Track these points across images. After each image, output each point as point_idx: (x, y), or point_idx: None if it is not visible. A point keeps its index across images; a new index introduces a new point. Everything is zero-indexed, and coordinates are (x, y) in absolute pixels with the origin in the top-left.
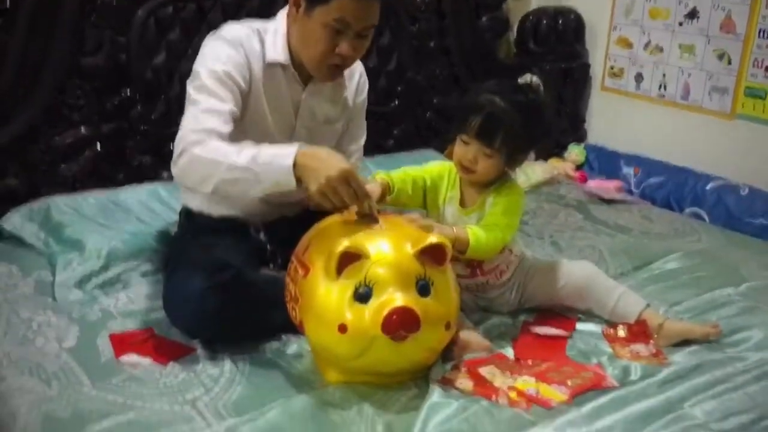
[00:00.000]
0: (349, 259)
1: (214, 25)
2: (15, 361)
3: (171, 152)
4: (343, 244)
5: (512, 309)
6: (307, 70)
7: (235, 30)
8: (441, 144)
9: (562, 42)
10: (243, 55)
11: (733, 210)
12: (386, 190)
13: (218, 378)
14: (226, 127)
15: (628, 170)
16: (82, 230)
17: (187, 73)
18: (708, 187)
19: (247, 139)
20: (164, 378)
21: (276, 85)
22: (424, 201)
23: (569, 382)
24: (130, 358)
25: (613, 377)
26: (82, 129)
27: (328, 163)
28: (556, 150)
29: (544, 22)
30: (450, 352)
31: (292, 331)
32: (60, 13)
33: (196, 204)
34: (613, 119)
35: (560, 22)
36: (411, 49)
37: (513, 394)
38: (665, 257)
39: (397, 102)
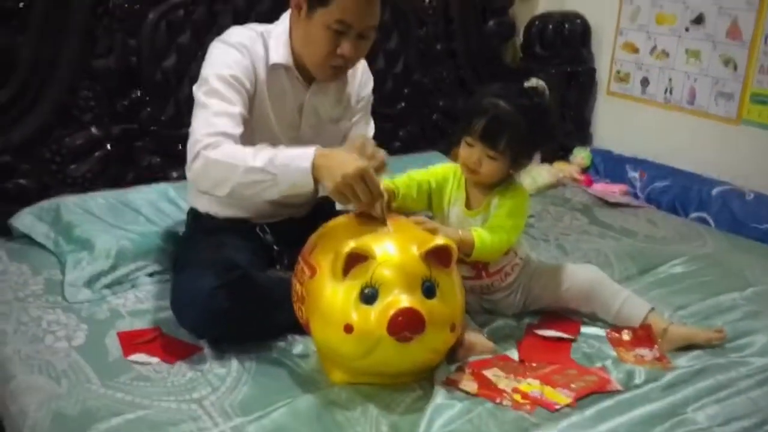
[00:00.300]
0: (356, 260)
1: (224, 28)
2: (25, 359)
3: (180, 153)
4: (350, 245)
5: (517, 311)
6: (310, 71)
7: (240, 34)
8: (447, 146)
9: (568, 46)
10: (248, 59)
11: (739, 215)
12: (392, 196)
13: (225, 377)
14: (238, 129)
15: (634, 174)
16: (92, 230)
17: (197, 75)
18: (713, 192)
19: (253, 139)
20: (172, 377)
21: (280, 86)
22: (430, 203)
23: (573, 385)
24: (139, 357)
25: (617, 381)
26: (93, 130)
27: (345, 162)
28: (562, 153)
29: (550, 26)
30: (455, 354)
31: (299, 331)
32: (72, 16)
33: (203, 205)
34: (619, 123)
35: (566, 26)
36: (418, 52)
37: (517, 397)
38: (670, 261)
39: (403, 104)
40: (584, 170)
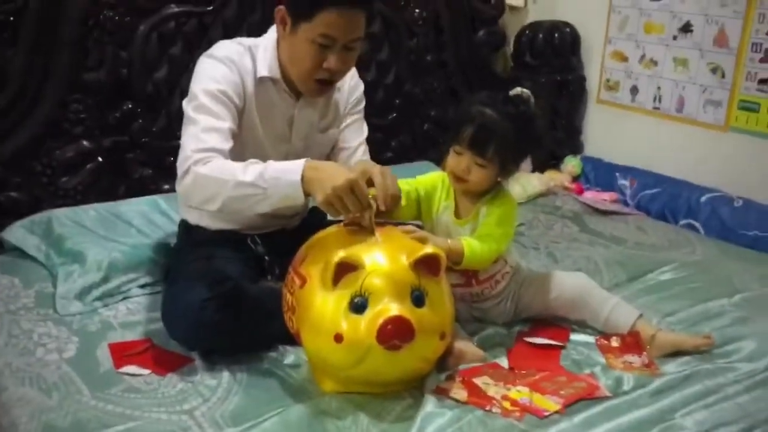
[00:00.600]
0: (345, 269)
1: (215, 40)
2: (16, 372)
3: (172, 165)
4: (339, 254)
5: (507, 320)
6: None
7: (228, 48)
8: (438, 156)
9: (557, 55)
10: (236, 73)
11: (728, 221)
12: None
13: (216, 388)
14: (227, 145)
15: (624, 182)
16: (83, 242)
17: (188, 87)
18: (702, 199)
19: (243, 152)
20: (162, 388)
21: (268, 99)
22: (419, 212)
23: (562, 392)
24: (130, 369)
25: (606, 387)
26: (84, 142)
27: (334, 174)
28: (553, 162)
29: (540, 35)
30: (445, 363)
31: (290, 342)
32: (62, 29)
33: (194, 217)
34: (609, 131)
35: (556, 36)
36: (409, 63)
37: (506, 404)
38: (660, 268)
39: (395, 115)
40: (575, 178)
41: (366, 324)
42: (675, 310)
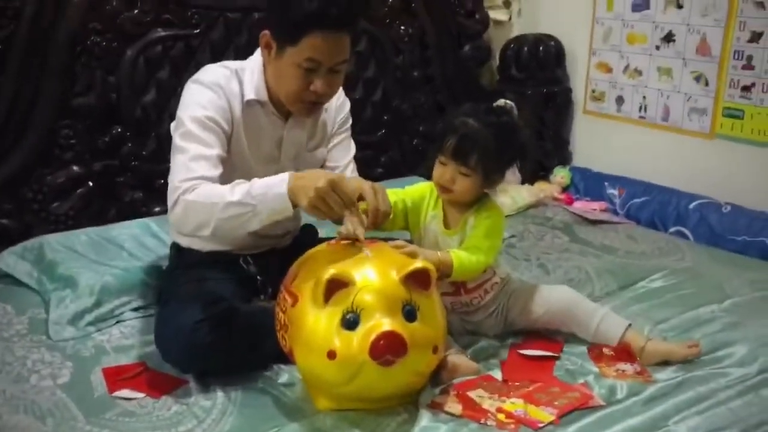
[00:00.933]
0: (336, 286)
1: (202, 63)
2: (9, 399)
3: (162, 187)
4: (330, 271)
5: (498, 332)
6: (287, 106)
7: (214, 73)
8: (428, 171)
9: (543, 68)
10: (223, 98)
11: (716, 228)
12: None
13: (210, 409)
14: (215, 171)
15: (613, 191)
16: (75, 267)
17: (177, 110)
18: (691, 206)
19: (232, 175)
20: (157, 411)
21: (256, 122)
22: (407, 222)
23: (557, 402)
24: (124, 393)
25: (600, 396)
26: (74, 168)
27: (316, 177)
28: (542, 173)
29: (525, 49)
30: (439, 377)
31: (283, 360)
32: (50, 55)
33: (186, 240)
34: (596, 142)
35: (541, 48)
36: (395, 80)
37: (501, 416)
38: (650, 276)
39: (383, 131)
40: (564, 189)
41: (358, 340)
42: (666, 317)
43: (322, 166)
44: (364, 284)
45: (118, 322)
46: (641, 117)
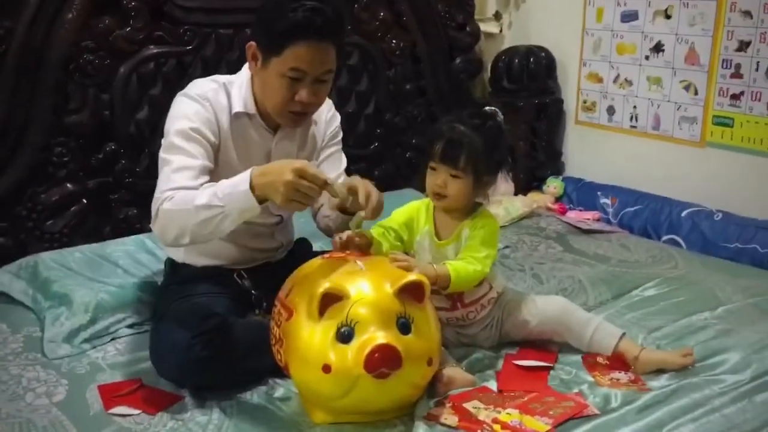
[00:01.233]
0: (331, 300)
1: (194, 79)
2: (5, 418)
3: None
4: (324, 285)
5: (493, 344)
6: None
7: (201, 86)
8: (421, 182)
9: (534, 79)
10: (210, 110)
11: (708, 235)
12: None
13: (206, 425)
14: (197, 182)
15: (606, 200)
16: (70, 285)
17: None
18: (683, 214)
19: None
20: (153, 428)
21: (245, 134)
22: (404, 245)
23: (552, 412)
24: (120, 410)
25: (594, 405)
26: (68, 185)
27: (281, 171)
28: (535, 183)
29: (516, 61)
30: (434, 389)
31: (279, 375)
32: (44, 73)
33: (180, 255)
34: (588, 151)
35: (531, 60)
36: (388, 93)
37: (497, 427)
38: (644, 284)
39: (377, 144)
40: (557, 199)
41: (353, 353)
42: (660, 325)
43: None
44: (359, 297)
45: (113, 339)
46: (632, 126)
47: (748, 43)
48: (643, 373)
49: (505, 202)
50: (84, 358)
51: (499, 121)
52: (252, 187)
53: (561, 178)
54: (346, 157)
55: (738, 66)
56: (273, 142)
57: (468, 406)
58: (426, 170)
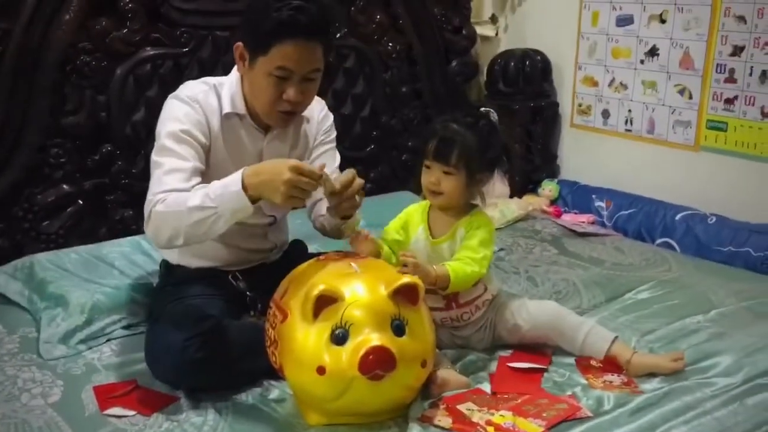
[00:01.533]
0: (325, 302)
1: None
2: (0, 419)
3: None
4: (319, 287)
5: (487, 346)
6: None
7: (192, 88)
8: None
9: (530, 82)
10: (200, 112)
11: (702, 239)
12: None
13: (201, 426)
14: (188, 184)
15: (600, 204)
16: (66, 286)
17: None
18: (677, 218)
19: None
20: (148, 429)
21: (236, 135)
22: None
23: (545, 414)
24: (115, 411)
25: (587, 407)
26: (65, 186)
27: (276, 170)
28: (531, 186)
29: (512, 64)
30: (429, 391)
31: (274, 376)
32: (40, 74)
33: (175, 257)
34: (583, 155)
35: (527, 63)
36: (384, 95)
37: (491, 429)
38: (637, 287)
39: (373, 146)
40: (553, 202)
41: (348, 355)
42: (653, 328)
43: None
44: (353, 299)
45: (108, 340)
46: (627, 130)
47: (742, 48)
48: (636, 376)
49: (500, 204)
50: (79, 359)
51: (492, 120)
52: (244, 187)
53: (556, 181)
54: (342, 159)
55: (732, 70)
56: (264, 142)
57: (462, 407)
58: (421, 170)
